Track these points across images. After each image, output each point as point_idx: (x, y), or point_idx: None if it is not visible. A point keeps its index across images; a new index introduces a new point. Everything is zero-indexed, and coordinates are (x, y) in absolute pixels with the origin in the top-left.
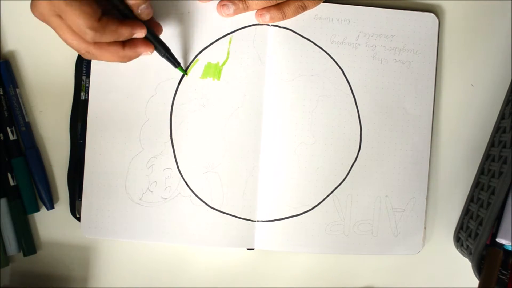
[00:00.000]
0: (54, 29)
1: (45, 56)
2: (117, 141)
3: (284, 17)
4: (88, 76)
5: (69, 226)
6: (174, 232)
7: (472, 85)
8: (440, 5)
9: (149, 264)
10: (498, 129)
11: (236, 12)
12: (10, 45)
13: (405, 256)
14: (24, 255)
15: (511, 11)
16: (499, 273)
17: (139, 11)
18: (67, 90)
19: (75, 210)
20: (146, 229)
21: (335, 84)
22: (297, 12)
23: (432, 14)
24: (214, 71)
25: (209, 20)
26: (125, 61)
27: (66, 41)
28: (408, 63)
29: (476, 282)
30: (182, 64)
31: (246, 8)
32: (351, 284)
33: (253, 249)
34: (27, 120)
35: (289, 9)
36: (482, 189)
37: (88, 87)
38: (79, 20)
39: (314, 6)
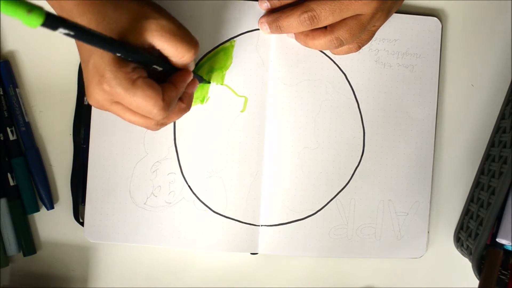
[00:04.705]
0: (117, 114)
1: (45, 56)
2: (121, 146)
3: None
4: None
5: (69, 226)
6: (178, 236)
7: (472, 85)
8: (443, 9)
9: (150, 265)
10: (498, 129)
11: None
12: (10, 45)
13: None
14: (24, 255)
15: (511, 11)
16: (499, 273)
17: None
18: (67, 89)
19: (78, 215)
20: (150, 233)
21: (338, 88)
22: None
23: (435, 18)
24: (217, 76)
25: (211, 25)
26: (188, 111)
27: (133, 123)
28: (411, 67)
29: (476, 282)
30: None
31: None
32: (352, 285)
33: (256, 253)
34: (27, 120)
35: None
36: (482, 189)
37: None
38: (145, 106)
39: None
